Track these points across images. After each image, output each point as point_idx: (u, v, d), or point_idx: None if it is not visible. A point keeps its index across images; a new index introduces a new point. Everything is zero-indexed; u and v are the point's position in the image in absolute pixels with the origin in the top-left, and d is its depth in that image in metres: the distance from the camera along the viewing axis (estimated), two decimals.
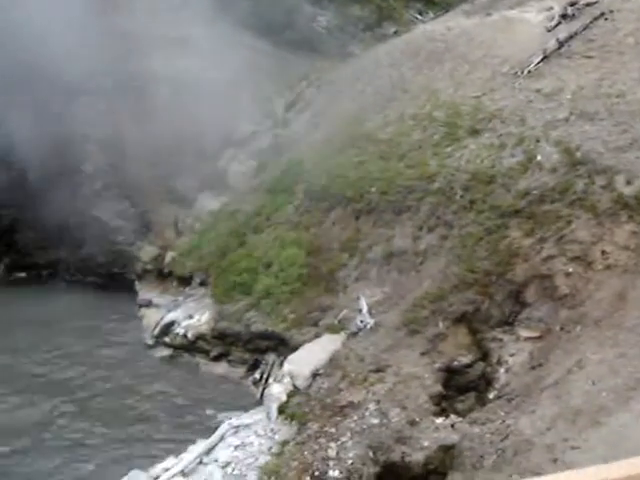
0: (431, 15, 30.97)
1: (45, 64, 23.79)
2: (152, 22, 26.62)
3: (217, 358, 18.30)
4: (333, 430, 12.87)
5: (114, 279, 22.92)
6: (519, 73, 18.50)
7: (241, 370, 17.85)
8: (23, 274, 24.43)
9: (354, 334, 15.22)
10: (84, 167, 23.63)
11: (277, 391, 14.75)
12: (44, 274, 24.30)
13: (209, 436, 14.94)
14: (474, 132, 17.50)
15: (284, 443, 13.37)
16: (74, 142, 23.75)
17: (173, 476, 13.60)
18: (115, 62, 24.98)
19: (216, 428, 15.29)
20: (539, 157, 16.07)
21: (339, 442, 12.59)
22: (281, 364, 16.69)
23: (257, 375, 17.24)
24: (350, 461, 12.25)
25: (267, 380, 16.73)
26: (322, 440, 12.77)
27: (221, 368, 18.17)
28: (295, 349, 16.29)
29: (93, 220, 23.36)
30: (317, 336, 16.11)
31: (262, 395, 16.52)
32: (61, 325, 21.05)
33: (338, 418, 13.08)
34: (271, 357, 17.23)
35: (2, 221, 24.21)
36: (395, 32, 30.02)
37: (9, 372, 18.62)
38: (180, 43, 26.10)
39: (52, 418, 16.70)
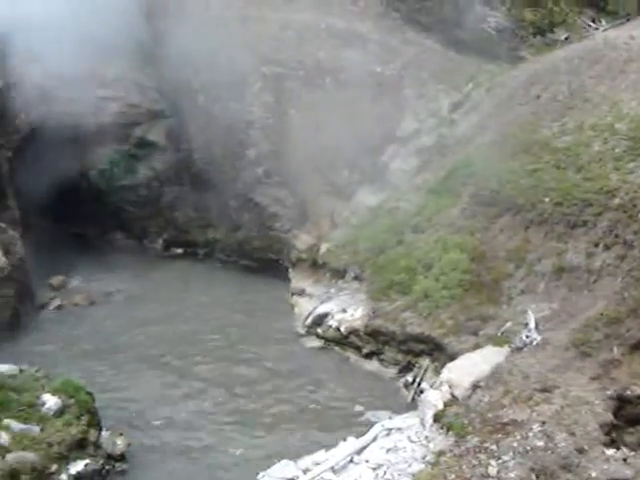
0: (604, 23, 29.68)
1: (216, 52, 24.36)
2: (321, 13, 26.72)
3: (369, 355, 18.14)
4: (494, 447, 12.42)
5: (268, 264, 23.20)
6: None
7: (392, 370, 17.61)
8: (180, 250, 25.17)
9: (518, 349, 14.70)
10: (247, 153, 23.93)
11: (433, 398, 14.41)
12: (200, 253, 24.94)
13: (357, 433, 14.84)
14: None
15: (440, 453, 13.02)
16: (239, 128, 24.14)
17: (323, 472, 13.51)
18: (283, 51, 25.18)
19: (365, 426, 15.21)
20: None
21: (500, 460, 12.14)
22: (435, 370, 16.39)
23: (409, 378, 16.95)
24: None
25: (419, 384, 16.44)
26: (482, 456, 12.35)
27: (372, 366, 18.01)
28: (451, 356, 15.92)
29: (252, 205, 23.71)
30: (476, 346, 15.67)
31: (413, 399, 16.28)
32: (214, 305, 21.54)
33: (499, 435, 12.62)
34: (425, 361, 16.90)
35: (165, 198, 24.98)
36: (566, 38, 28.89)
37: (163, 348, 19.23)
38: (347, 36, 26.05)
39: (198, 398, 17.07)
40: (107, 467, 14.34)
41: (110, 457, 14.50)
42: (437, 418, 13.97)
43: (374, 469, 13.48)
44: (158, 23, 24.58)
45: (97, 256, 23.57)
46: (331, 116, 23.99)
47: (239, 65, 24.58)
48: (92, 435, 14.42)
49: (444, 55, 26.39)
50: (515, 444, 12.36)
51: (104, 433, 14.78)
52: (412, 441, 13.98)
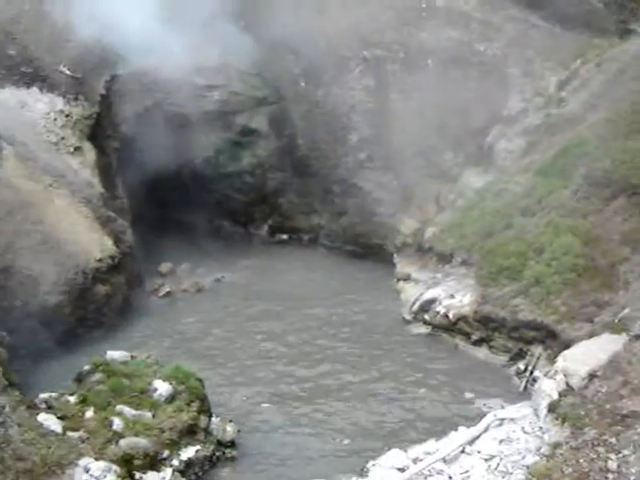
0: None
1: (317, 37, 24.27)
2: None
3: (478, 342, 17.75)
4: (613, 440, 11.89)
5: (372, 250, 23.05)
6: None
7: (503, 358, 17.18)
8: (285, 236, 25.32)
9: (637, 337, 14.01)
10: (350, 137, 23.76)
11: (548, 387, 13.91)
12: (305, 238, 25.02)
13: (468, 421, 14.54)
14: None
15: (555, 445, 12.57)
16: (341, 112, 23.99)
17: (434, 462, 13.25)
18: (384, 34, 24.84)
19: (476, 415, 14.88)
20: None
21: (620, 455, 11.62)
22: (549, 358, 15.88)
23: (521, 366, 16.49)
24: (633, 477, 11.27)
25: (532, 373, 15.97)
26: (600, 449, 11.85)
27: (481, 353, 17.62)
28: (565, 344, 15.37)
29: (356, 190, 23.58)
30: (592, 333, 15.06)
31: (526, 388, 15.83)
32: (318, 289, 21.54)
33: (619, 427, 12.07)
34: (538, 349, 16.40)
35: (269, 184, 25.11)
36: None
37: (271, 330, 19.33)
38: (448, 14, 25.48)
39: (305, 384, 17.07)
40: (217, 453, 14.47)
41: (220, 443, 14.62)
42: (552, 408, 13.49)
43: (486, 460, 13.16)
44: (259, 9, 24.61)
45: (204, 243, 23.88)
46: (434, 98, 23.61)
47: (340, 49, 24.46)
48: (202, 421, 14.57)
49: (549, 31, 25.45)
50: (636, 437, 11.80)
51: (214, 419, 14.92)
52: (526, 432, 13.58)
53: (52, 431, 13.16)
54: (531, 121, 22.73)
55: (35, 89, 21.61)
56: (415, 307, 19.18)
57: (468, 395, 16.17)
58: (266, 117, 24.64)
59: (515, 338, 17.04)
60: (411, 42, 24.73)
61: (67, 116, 21.52)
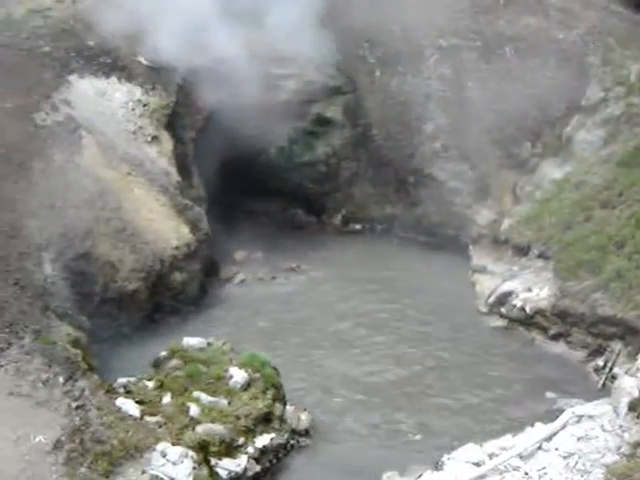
0: None
1: (392, 25, 24.13)
2: None
3: (555, 337, 17.47)
4: None
5: (447, 241, 22.82)
6: None
7: (581, 354, 16.87)
8: (358, 226, 25.23)
9: None
10: (425, 127, 23.55)
11: (628, 385, 13.52)
12: (378, 228, 24.89)
13: (547, 419, 14.26)
14: None
15: (636, 445, 12.24)
16: (416, 102, 23.82)
17: (510, 457, 13.05)
18: (460, 22, 24.57)
19: (555, 413, 14.59)
20: None
21: None
22: (629, 354, 15.52)
23: (600, 362, 16.17)
24: None
25: (611, 369, 15.63)
26: None
27: (559, 348, 17.34)
28: None
29: (430, 180, 23.39)
30: None
31: (605, 385, 15.50)
32: (393, 282, 21.45)
33: None
34: (618, 345, 16.04)
35: (343, 174, 25.06)
36: None
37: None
38: (526, 2, 25.13)
39: (379, 376, 17.02)
40: (292, 442, 14.56)
41: (294, 432, 14.71)
42: (633, 407, 13.12)
43: (564, 458, 12.87)
44: None
45: (278, 231, 24.04)
46: (511, 86, 23.32)
47: (415, 38, 24.31)
48: (277, 409, 14.67)
49: (630, 18, 24.85)
50: None
51: (288, 408, 15.00)
52: (605, 430, 13.24)
53: (130, 415, 13.40)
54: (611, 111, 22.20)
55: (114, 79, 21.92)
56: (491, 300, 18.96)
57: (545, 391, 15.93)
58: (340, 106, 24.58)
59: (594, 334, 16.72)
60: (487, 30, 24.43)
61: (145, 105, 21.80)
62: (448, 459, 13.33)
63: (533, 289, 18.18)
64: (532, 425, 13.96)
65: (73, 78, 21.05)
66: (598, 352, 16.51)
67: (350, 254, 23.46)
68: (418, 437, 14.91)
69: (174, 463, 12.55)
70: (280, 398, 14.92)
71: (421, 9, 24.74)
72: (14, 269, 16.05)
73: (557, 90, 23.18)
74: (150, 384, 14.65)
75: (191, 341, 15.86)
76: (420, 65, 24.09)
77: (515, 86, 23.37)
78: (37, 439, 12.00)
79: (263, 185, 24.29)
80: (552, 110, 22.99)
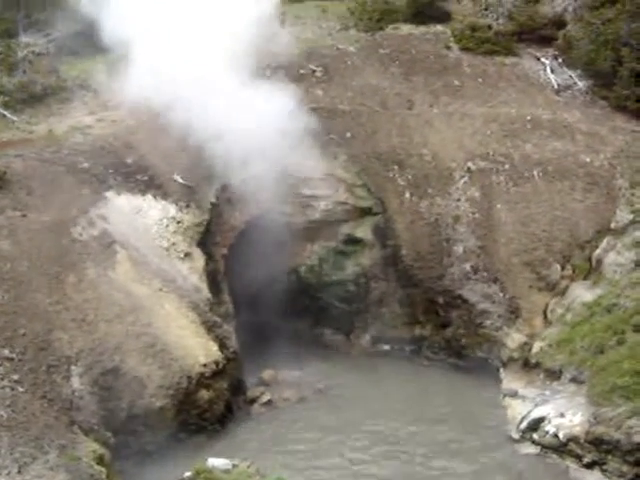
0: None
1: (422, 148, 24.69)
2: (525, 105, 26.49)
3: (590, 465, 16.97)
4: None
5: (477, 363, 22.52)
6: None
7: None
8: (387, 347, 24.90)
9: None
10: (455, 248, 23.67)
11: None
12: (407, 349, 24.56)
13: None
14: None
15: None
16: (446, 223, 24.02)
17: None
18: (489, 145, 25.08)
19: None
20: None
21: None
22: None
23: None
24: None
25: None
26: None
27: (594, 477, 16.78)
28: None
29: (460, 301, 23.28)
30: None
31: None
32: (422, 405, 21.05)
33: None
34: None
35: (372, 294, 25.01)
36: None
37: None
38: (553, 126, 25.65)
39: None
40: None
41: None
42: None
43: None
44: (363, 121, 25.23)
45: (305, 350, 23.81)
46: (540, 209, 23.63)
47: (444, 161, 24.76)
48: None
49: None
50: None
51: None
52: None
53: None
54: None
55: (149, 196, 22.36)
56: (523, 425, 18.55)
57: None
58: (370, 227, 24.82)
59: (630, 462, 16.26)
60: (516, 154, 24.88)
61: (179, 222, 22.17)
62: None
63: (566, 415, 17.78)
64: None
65: (110, 194, 21.52)
66: None
67: (377, 376, 23.07)
68: None
69: None
70: None
71: (450, 133, 25.32)
72: (42, 381, 16.06)
73: (586, 213, 23.48)
74: None
75: (216, 462, 15.66)
76: (449, 187, 24.41)
77: (544, 208, 23.65)
78: None
79: (292, 303, 24.29)
80: (581, 232, 23.22)
